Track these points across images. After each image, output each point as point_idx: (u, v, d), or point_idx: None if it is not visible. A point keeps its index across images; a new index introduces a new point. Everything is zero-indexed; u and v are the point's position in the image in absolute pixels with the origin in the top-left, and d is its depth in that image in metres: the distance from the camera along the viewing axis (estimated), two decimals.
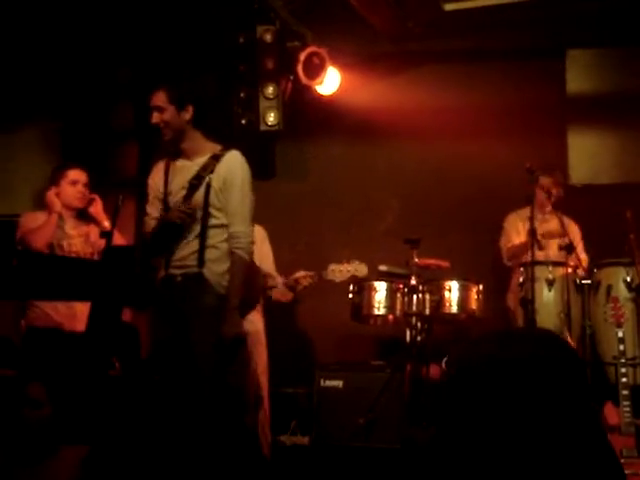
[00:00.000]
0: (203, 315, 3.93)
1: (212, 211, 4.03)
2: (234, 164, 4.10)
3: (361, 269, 5.51)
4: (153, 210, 4.20)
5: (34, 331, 4.95)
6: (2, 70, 6.41)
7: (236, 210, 4.06)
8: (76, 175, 5.14)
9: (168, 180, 4.13)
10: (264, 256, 5.66)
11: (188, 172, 4.07)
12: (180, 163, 4.15)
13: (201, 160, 4.10)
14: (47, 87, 6.65)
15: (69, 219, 5.13)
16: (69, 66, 6.61)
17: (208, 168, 4.06)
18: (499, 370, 1.52)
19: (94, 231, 5.14)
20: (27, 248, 4.86)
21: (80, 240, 5.08)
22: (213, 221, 4.02)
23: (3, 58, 6.35)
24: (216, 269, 4.00)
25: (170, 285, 4.01)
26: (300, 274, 5.57)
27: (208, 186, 4.03)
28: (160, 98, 4.12)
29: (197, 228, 4.01)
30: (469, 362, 1.57)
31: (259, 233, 5.68)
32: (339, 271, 5.48)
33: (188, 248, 4.01)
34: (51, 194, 5.06)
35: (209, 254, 3.99)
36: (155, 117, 4.09)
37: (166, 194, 4.14)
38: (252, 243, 4.11)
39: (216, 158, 4.09)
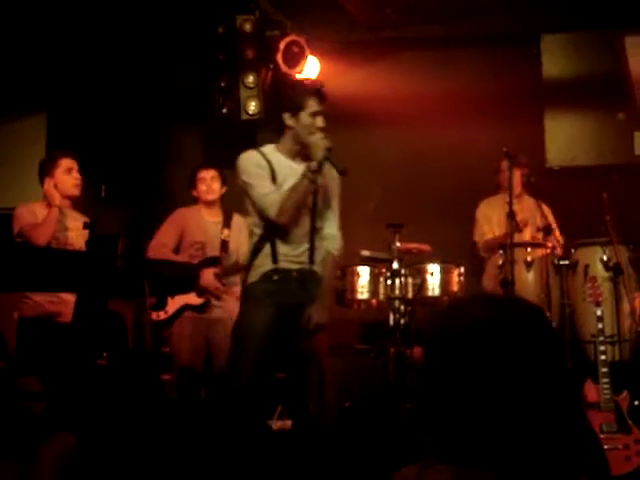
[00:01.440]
0: (317, 305, 4.05)
1: (317, 214, 4.13)
2: (334, 172, 4.12)
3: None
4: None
5: (26, 322, 4.94)
6: None
7: (336, 214, 4.19)
8: (70, 163, 5.08)
9: (277, 178, 4.07)
10: (241, 244, 5.69)
11: (296, 176, 4.04)
12: (287, 163, 4.12)
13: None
14: (31, 77, 6.61)
15: (68, 211, 5.08)
16: (52, 56, 6.58)
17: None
18: (484, 332, 1.48)
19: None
20: (28, 242, 4.80)
21: (79, 233, 4.98)
22: (317, 223, 4.13)
23: None
24: (320, 268, 4.12)
25: (286, 277, 4.07)
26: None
27: (316, 191, 4.09)
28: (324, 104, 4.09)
29: (307, 228, 4.09)
30: (452, 325, 1.52)
31: (238, 222, 5.72)
32: None
33: (302, 247, 4.08)
34: (49, 187, 4.98)
35: (317, 255, 4.10)
36: (323, 122, 4.08)
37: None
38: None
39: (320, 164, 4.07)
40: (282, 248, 4.04)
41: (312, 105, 4.03)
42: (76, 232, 5.02)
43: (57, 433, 3.63)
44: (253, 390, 4.03)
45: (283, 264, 4.03)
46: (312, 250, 4.08)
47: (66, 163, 5.07)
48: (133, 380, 4.69)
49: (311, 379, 4.06)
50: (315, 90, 4.09)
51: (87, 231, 5.01)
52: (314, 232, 4.10)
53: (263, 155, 4.10)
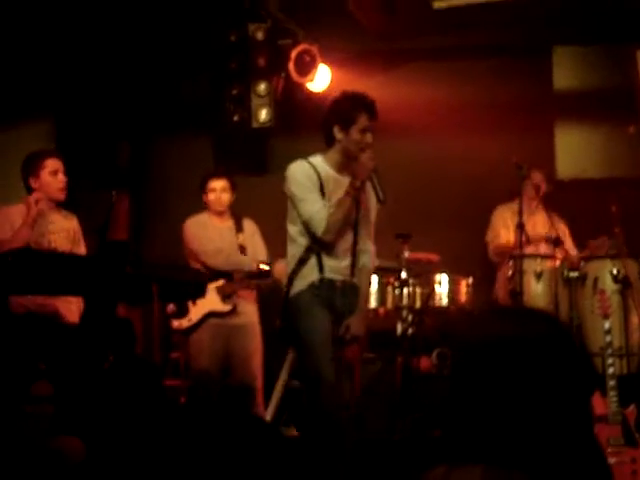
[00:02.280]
0: (356, 317, 4.15)
1: (358, 228, 4.18)
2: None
3: None
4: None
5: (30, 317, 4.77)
6: None
7: (372, 229, 4.26)
8: (56, 164, 4.85)
9: (325, 191, 4.10)
10: (258, 248, 5.71)
11: (343, 188, 4.08)
12: (334, 176, 4.14)
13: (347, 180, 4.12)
14: (39, 81, 6.63)
15: (50, 212, 4.83)
16: (61, 60, 6.60)
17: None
18: (510, 348, 1.54)
19: (75, 226, 4.96)
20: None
21: (61, 236, 4.85)
22: (359, 237, 4.19)
23: None
24: (358, 281, 4.21)
25: (331, 287, 4.12)
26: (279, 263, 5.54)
27: (358, 206, 4.13)
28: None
29: (350, 242, 4.15)
30: (477, 342, 1.58)
31: (249, 226, 5.75)
32: None
33: (345, 260, 4.14)
34: (31, 200, 4.69)
35: (357, 268, 4.19)
36: (371, 138, 4.11)
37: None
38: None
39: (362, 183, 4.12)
40: (328, 260, 4.10)
41: (363, 121, 4.06)
42: (59, 234, 4.84)
43: (64, 436, 3.65)
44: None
45: (329, 274, 4.10)
46: (354, 263, 4.16)
47: (52, 164, 4.83)
48: (136, 385, 4.68)
49: (342, 388, 4.09)
50: (367, 106, 4.11)
51: (71, 235, 4.95)
52: (356, 246, 4.16)
53: (313, 167, 4.11)
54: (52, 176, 4.81)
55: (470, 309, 5.73)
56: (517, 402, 1.52)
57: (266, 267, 5.49)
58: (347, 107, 4.12)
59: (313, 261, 4.10)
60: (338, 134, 4.08)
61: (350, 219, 4.09)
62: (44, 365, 4.46)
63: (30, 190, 4.83)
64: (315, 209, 4.02)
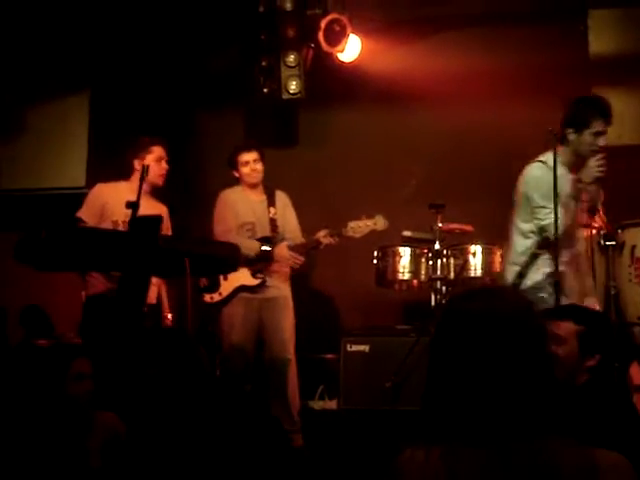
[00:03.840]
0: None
1: None
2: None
3: (380, 222, 5.55)
4: None
5: (90, 300, 5.00)
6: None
7: None
8: (161, 152, 5.17)
9: (561, 194, 4.29)
10: (287, 221, 5.72)
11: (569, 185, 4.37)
12: (566, 176, 4.36)
13: None
14: (75, 56, 6.64)
15: (146, 198, 4.88)
16: (95, 35, 6.60)
17: None
18: (485, 324, 1.64)
19: (164, 213, 5.15)
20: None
21: None
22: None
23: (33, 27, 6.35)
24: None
25: (563, 278, 4.40)
26: (320, 233, 5.58)
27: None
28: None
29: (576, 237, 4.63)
30: (459, 313, 1.69)
31: (281, 199, 5.75)
32: (358, 227, 5.53)
33: (572, 250, 4.55)
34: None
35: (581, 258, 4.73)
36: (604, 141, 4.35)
37: None
38: None
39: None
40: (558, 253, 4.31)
41: (597, 125, 4.25)
42: None
43: (102, 412, 3.67)
44: None
45: (560, 267, 4.27)
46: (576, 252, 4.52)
47: (158, 151, 5.16)
48: (173, 359, 4.71)
49: None
50: (604, 111, 4.27)
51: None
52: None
53: (549, 169, 4.28)
54: (156, 162, 5.12)
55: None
56: (482, 376, 1.62)
57: (267, 248, 5.51)
58: (582, 111, 4.31)
59: (547, 255, 4.38)
60: (570, 135, 4.32)
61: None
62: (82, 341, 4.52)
63: (132, 170, 5.16)
64: (551, 219, 4.23)
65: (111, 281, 4.84)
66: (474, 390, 1.61)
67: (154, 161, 5.09)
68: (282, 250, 5.53)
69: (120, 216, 4.94)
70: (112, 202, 5.00)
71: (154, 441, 3.68)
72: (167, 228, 5.22)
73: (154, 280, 4.90)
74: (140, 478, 3.48)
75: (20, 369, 3.80)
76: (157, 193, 5.30)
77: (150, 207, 5.02)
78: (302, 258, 5.55)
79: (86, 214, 5.03)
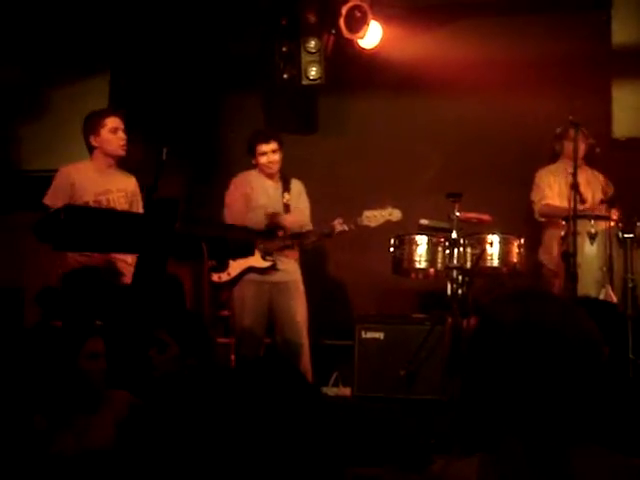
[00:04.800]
0: None
1: None
2: None
3: (395, 214, 5.57)
4: None
5: (67, 275, 4.88)
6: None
7: None
8: (116, 122, 5.01)
9: None
10: (299, 208, 5.73)
11: None
12: None
13: None
14: (95, 38, 6.64)
15: (111, 171, 5.02)
16: (116, 16, 6.60)
17: None
18: (526, 332, 1.55)
19: (133, 186, 5.11)
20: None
21: (119, 195, 5.02)
22: None
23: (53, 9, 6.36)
24: None
25: None
26: (336, 221, 5.60)
27: None
28: None
29: None
30: (498, 319, 1.60)
31: (296, 186, 5.76)
32: (374, 216, 5.54)
33: None
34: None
35: None
36: None
37: None
38: None
39: None
40: None
41: None
42: (117, 194, 5.00)
43: (115, 390, 3.70)
44: None
45: None
46: None
47: (112, 122, 5.00)
48: (188, 342, 4.73)
49: None
50: None
51: (128, 195, 5.07)
52: None
53: None
54: (112, 133, 4.98)
55: (521, 270, 5.65)
56: (527, 386, 1.53)
57: (274, 211, 5.59)
58: None
59: None
60: None
61: None
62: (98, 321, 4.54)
63: (91, 149, 5.04)
64: None
65: (84, 257, 4.81)
66: (518, 400, 1.55)
67: (110, 133, 4.97)
68: (289, 217, 5.61)
69: (90, 196, 4.92)
70: (79, 182, 4.95)
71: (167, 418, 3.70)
72: (137, 201, 5.15)
73: (130, 260, 4.83)
74: (154, 455, 3.51)
75: (37, 349, 3.83)
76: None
77: (120, 179, 5.05)
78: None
79: (53, 199, 4.88)
